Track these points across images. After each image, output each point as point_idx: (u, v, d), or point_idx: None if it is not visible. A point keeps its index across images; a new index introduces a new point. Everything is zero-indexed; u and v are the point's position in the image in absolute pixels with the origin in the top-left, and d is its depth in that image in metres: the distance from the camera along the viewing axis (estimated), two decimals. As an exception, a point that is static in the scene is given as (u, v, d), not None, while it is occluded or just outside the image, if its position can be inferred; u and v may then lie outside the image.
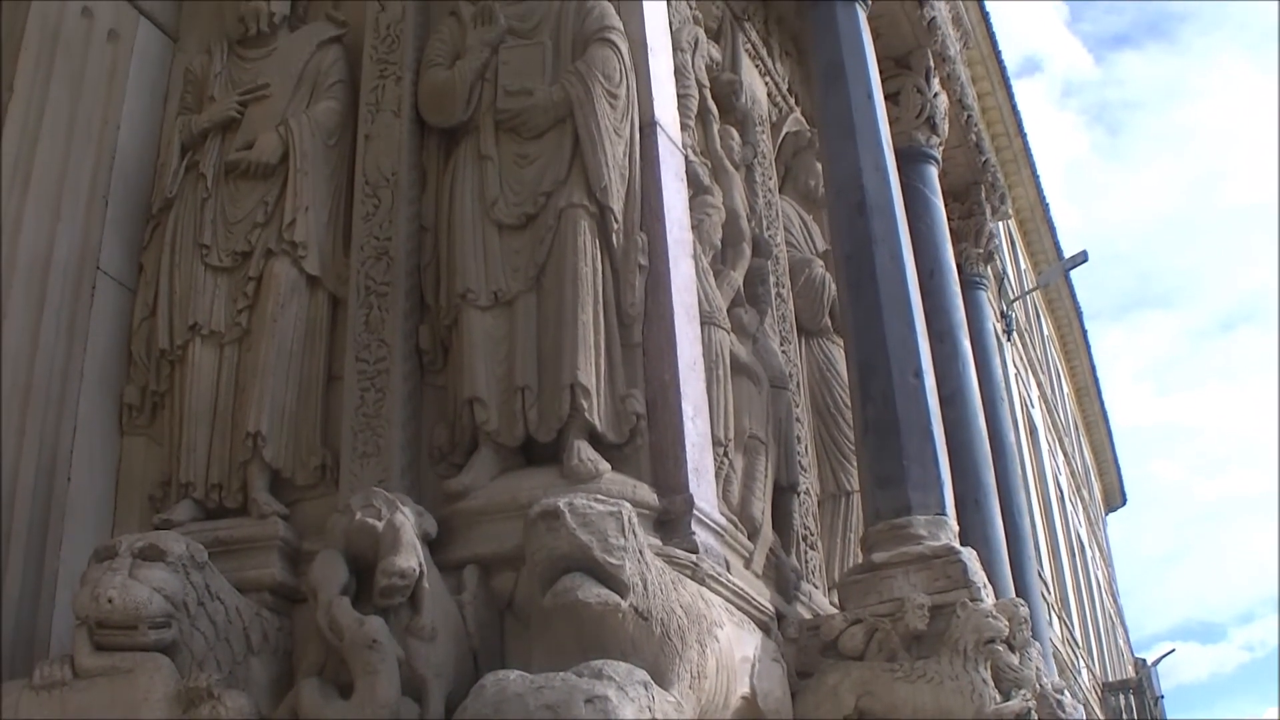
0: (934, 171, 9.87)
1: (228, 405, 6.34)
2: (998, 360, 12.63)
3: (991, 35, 20.34)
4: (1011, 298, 23.68)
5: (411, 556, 5.08)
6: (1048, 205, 25.97)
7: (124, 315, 6.80)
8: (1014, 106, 22.41)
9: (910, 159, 9.45)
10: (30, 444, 6.17)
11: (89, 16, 7.11)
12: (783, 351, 7.63)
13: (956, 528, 7.07)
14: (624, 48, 6.53)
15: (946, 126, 10.09)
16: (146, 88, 7.29)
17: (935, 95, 9.87)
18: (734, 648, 5.51)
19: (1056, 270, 26.52)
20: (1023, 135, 23.20)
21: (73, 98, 6.90)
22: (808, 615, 6.88)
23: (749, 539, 6.57)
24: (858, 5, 8.34)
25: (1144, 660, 31.30)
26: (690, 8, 7.58)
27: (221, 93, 7.01)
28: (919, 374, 7.38)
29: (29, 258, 6.43)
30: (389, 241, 6.34)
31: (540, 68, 6.46)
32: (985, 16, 20.01)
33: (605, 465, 5.66)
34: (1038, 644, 6.62)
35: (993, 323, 13.82)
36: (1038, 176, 24.64)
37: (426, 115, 6.62)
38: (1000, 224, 15.96)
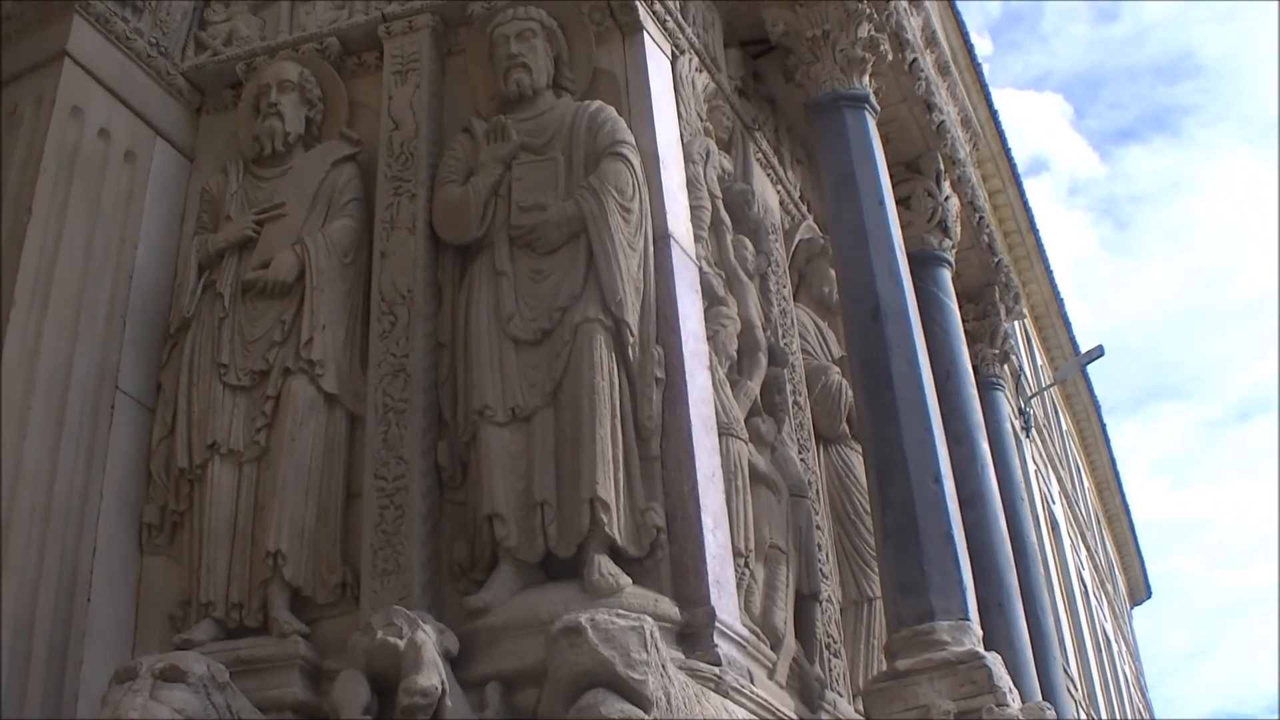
0: (947, 274, 9.94)
1: (247, 524, 6.38)
2: (1016, 459, 12.66)
3: (1000, 133, 20.52)
4: (1029, 394, 23.71)
5: (434, 674, 5.11)
6: (1062, 301, 26.06)
7: (143, 434, 6.85)
8: (1025, 203, 22.58)
9: (923, 262, 9.53)
10: (50, 564, 6.19)
11: (106, 138, 7.22)
12: (801, 459, 7.67)
13: (980, 632, 7.07)
14: (636, 161, 6.64)
15: (958, 228, 10.18)
16: (164, 207, 7.40)
17: (946, 198, 9.96)
18: (759, 760, 5.51)
19: (1073, 365, 26.57)
20: (1035, 232, 23.36)
21: (91, 218, 6.99)
22: (833, 724, 6.89)
23: (772, 649, 6.59)
24: (866, 112, 8.45)
25: (1173, 757, 31.01)
26: (701, 119, 7.68)
27: (238, 212, 7.12)
28: (938, 478, 7.41)
29: (48, 378, 6.48)
30: (406, 359, 6.41)
31: (554, 183, 6.56)
32: (994, 115, 20.20)
33: (626, 579, 5.69)
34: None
35: (1010, 421, 13.85)
36: (1051, 273, 24.76)
37: (441, 232, 6.72)
38: (1015, 322, 16.02)
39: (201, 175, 7.53)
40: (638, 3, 7.24)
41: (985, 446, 9.87)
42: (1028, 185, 22.40)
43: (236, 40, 7.80)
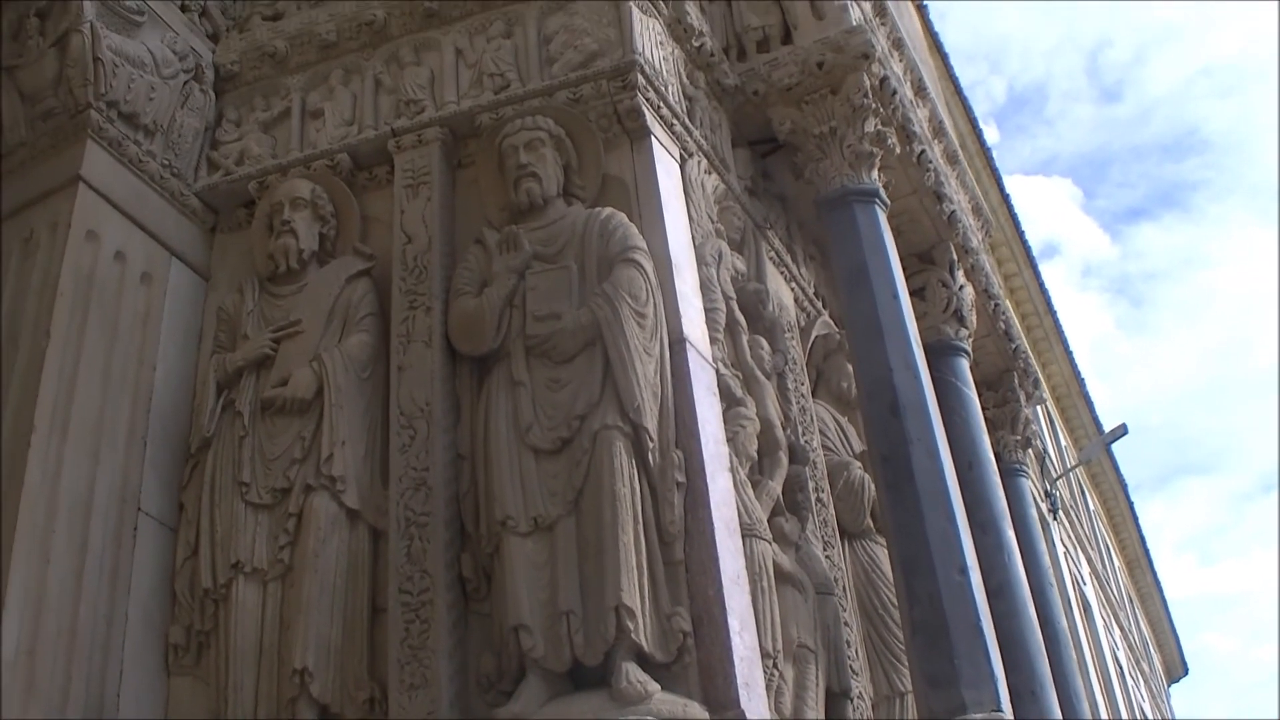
0: (965, 363, 9.99)
1: (273, 642, 6.41)
2: (1043, 545, 12.64)
3: (1014, 216, 20.71)
4: (1055, 476, 23.70)
5: (465, 790, 5.14)
6: (1083, 380, 26.17)
7: (166, 555, 6.89)
8: (1041, 285, 22.74)
9: (940, 353, 9.58)
10: (77, 688, 6.20)
11: (122, 260, 7.31)
12: (826, 557, 7.70)
13: (1014, 723, 7.07)
14: (649, 267, 6.72)
15: (974, 317, 10.23)
16: (181, 327, 7.49)
17: (961, 288, 10.02)
18: None
19: (1097, 445, 26.60)
20: (1052, 313, 23.49)
21: (109, 341, 7.07)
22: (867, 822, 6.88)
23: (804, 749, 6.60)
24: (877, 206, 8.54)
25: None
26: (712, 221, 7.77)
27: (254, 330, 7.21)
28: (964, 570, 7.42)
29: (70, 502, 6.52)
30: (426, 472, 6.47)
31: (568, 291, 6.65)
32: (1006, 199, 20.40)
33: (655, 685, 5.70)
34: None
35: (1035, 506, 13.84)
36: (1071, 353, 24.88)
37: (457, 344, 6.80)
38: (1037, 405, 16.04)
39: (218, 294, 7.63)
40: (644, 108, 7.35)
41: (1011, 534, 9.87)
42: (1041, 269, 22.55)
43: (248, 159, 7.93)
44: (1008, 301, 19.53)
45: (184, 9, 8.26)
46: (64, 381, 6.78)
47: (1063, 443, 26.78)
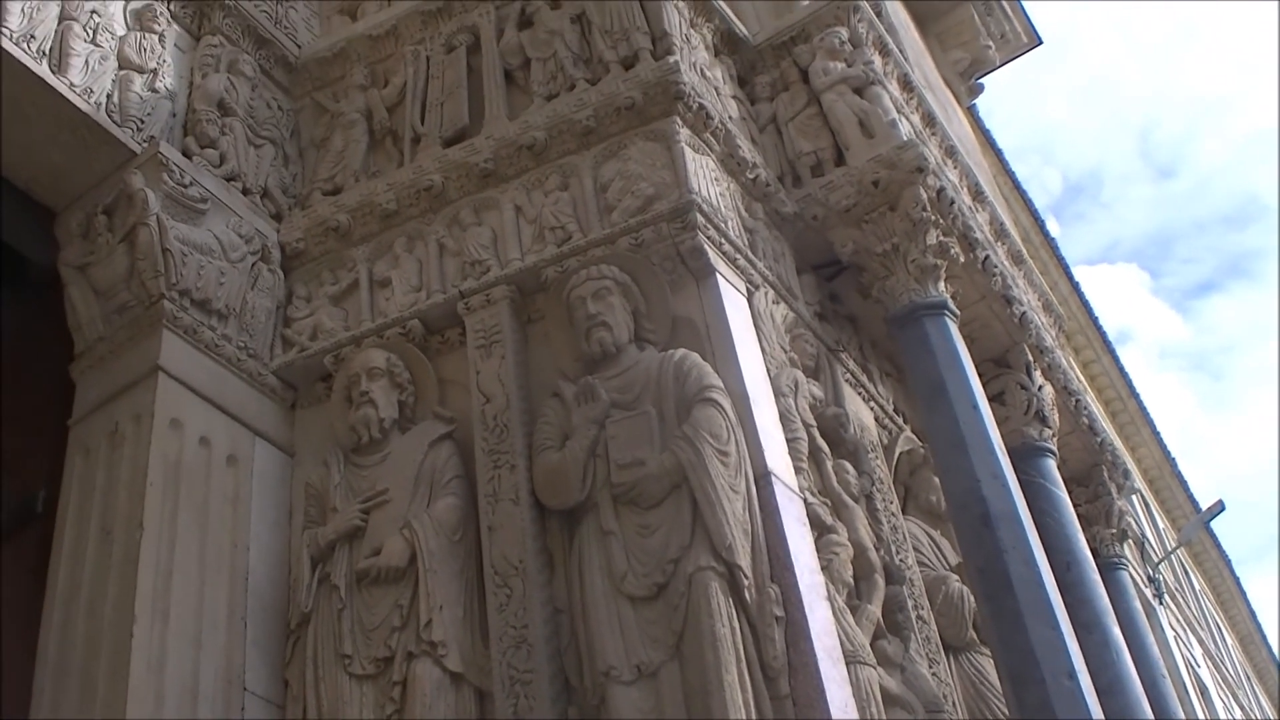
0: (1052, 463, 9.99)
1: (389, 809, 6.51)
2: (1150, 636, 12.55)
3: (1086, 305, 20.73)
4: (1156, 561, 23.52)
5: None
6: (1174, 461, 26.01)
7: (275, 734, 7.02)
8: (1121, 370, 22.70)
9: (1026, 456, 9.61)
10: None
11: (207, 446, 7.49)
12: (933, 674, 7.71)
13: (1136, 820, 7.06)
14: (727, 404, 6.83)
15: (1056, 416, 10.26)
16: (270, 506, 7.65)
17: (1040, 388, 10.06)
18: None
19: (1196, 525, 26.38)
20: (1135, 396, 23.42)
21: (201, 527, 7.23)
22: None
23: None
24: (946, 317, 8.61)
25: None
26: (785, 351, 7.88)
27: (342, 502, 7.35)
28: (1072, 674, 7.41)
29: (177, 689, 6.64)
30: (526, 629, 6.55)
31: (649, 437, 6.76)
32: (1075, 287, 20.44)
33: (772, 824, 5.76)
34: None
35: (1138, 598, 13.76)
36: (1159, 434, 24.76)
37: (545, 499, 6.91)
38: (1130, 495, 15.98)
39: (303, 470, 7.79)
40: (706, 246, 7.50)
41: (1116, 631, 9.82)
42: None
43: (321, 334, 8.13)
44: (1089, 390, 19.54)
45: (245, 192, 8.51)
46: (161, 570, 6.94)
47: (1160, 526, 26.57)
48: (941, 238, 8.79)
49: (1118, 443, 20.12)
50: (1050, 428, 10.09)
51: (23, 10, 7.75)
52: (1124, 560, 12.13)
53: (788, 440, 7.28)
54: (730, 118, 8.70)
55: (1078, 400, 11.06)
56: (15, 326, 8.78)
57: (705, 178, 7.95)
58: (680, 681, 6.10)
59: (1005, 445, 8.48)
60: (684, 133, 8.03)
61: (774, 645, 6.19)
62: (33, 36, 7.75)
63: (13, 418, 8.33)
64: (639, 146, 8.05)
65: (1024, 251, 11.36)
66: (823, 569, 6.89)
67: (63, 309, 8.04)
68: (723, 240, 7.73)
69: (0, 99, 7.73)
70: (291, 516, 7.67)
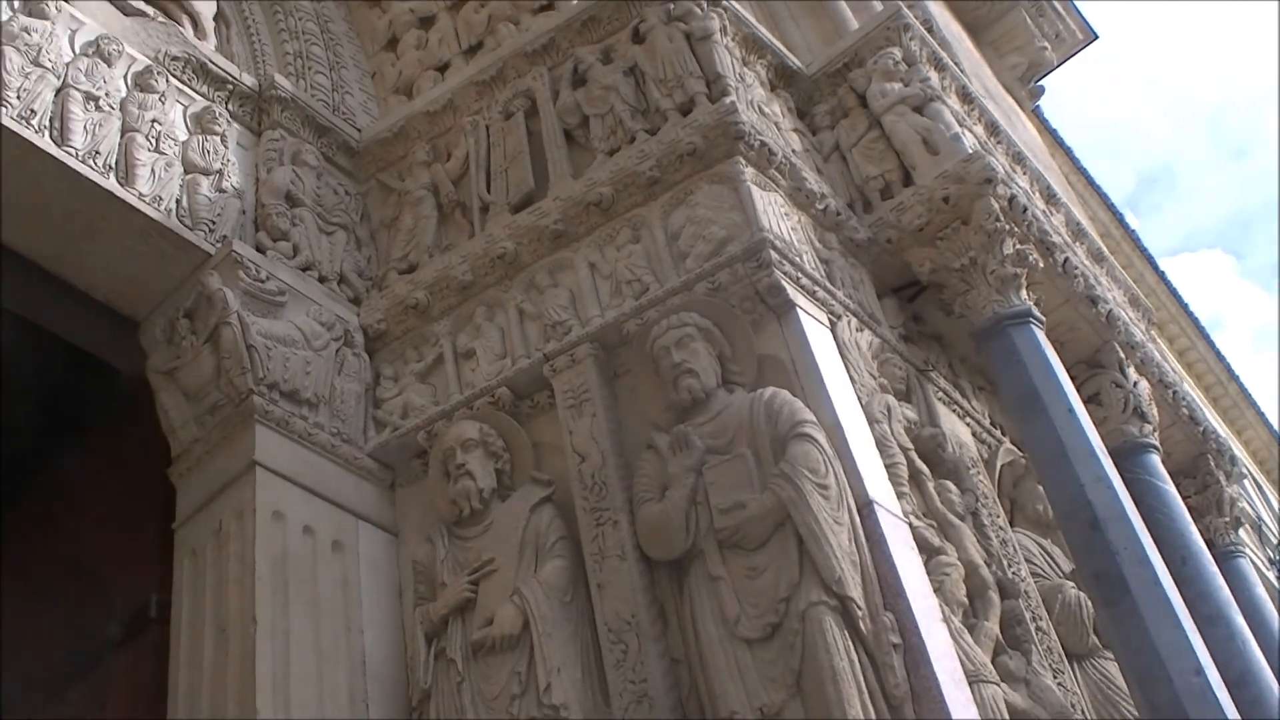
0: (1156, 459, 9.91)
1: None
2: (1277, 620, 12.41)
3: (1175, 294, 20.56)
4: (1277, 542, 23.23)
5: None
6: (1280, 437, 25.66)
7: (403, 813, 7.11)
8: (1218, 354, 22.46)
9: (1128, 454, 9.54)
10: None
11: (311, 534, 7.61)
12: (1059, 685, 7.67)
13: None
14: (821, 438, 6.87)
15: (1155, 410, 10.17)
16: (380, 587, 7.75)
17: (1135, 384, 10.00)
18: None
19: (1314, 500, 25.99)
20: (1236, 379, 23.16)
21: (314, 615, 7.34)
22: None
23: None
24: (1032, 325, 8.57)
25: None
26: (874, 377, 7.88)
27: (450, 576, 7.42)
28: (1199, 670, 7.35)
29: (305, 782, 6.78)
30: (645, 683, 6.60)
31: (747, 479, 6.81)
32: (1163, 277, 20.28)
33: None
34: None
35: (1261, 583, 13.60)
36: (1263, 415, 24.44)
37: (650, 552, 6.96)
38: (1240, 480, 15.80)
39: (408, 548, 7.88)
40: (783, 282, 7.54)
41: (1241, 621, 9.71)
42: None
43: (412, 411, 8.23)
44: (1188, 378, 19.38)
45: (322, 280, 8.65)
46: (279, 662, 7.04)
47: (1277, 506, 26.22)
48: (1018, 245, 8.78)
49: (1222, 429, 19.96)
50: (1150, 423, 10.02)
51: (85, 128, 7.95)
52: (1241, 547, 11.99)
53: (886, 466, 7.29)
54: (793, 151, 8.74)
55: (1175, 391, 10.99)
56: (110, 438, 8.97)
57: (775, 214, 7.99)
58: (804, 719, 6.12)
59: (1106, 446, 8.44)
60: (749, 172, 8.09)
61: (894, 673, 6.20)
62: (97, 152, 7.94)
63: (118, 527, 8.51)
64: (705, 191, 8.11)
65: (1104, 249, 11.30)
66: (935, 591, 6.90)
67: (155, 416, 8.17)
68: (799, 274, 7.76)
69: (73, 216, 7.91)
70: (401, 595, 7.76)
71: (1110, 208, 19.16)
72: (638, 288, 7.90)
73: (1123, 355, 10.04)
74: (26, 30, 8.00)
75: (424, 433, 8.10)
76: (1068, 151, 17.29)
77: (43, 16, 8.17)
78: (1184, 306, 21.14)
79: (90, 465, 9.19)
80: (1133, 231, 19.65)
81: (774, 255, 7.63)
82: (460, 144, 9.40)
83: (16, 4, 8.12)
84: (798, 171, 8.45)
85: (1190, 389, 13.18)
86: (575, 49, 9.25)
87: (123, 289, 8.34)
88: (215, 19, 9.76)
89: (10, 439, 11.69)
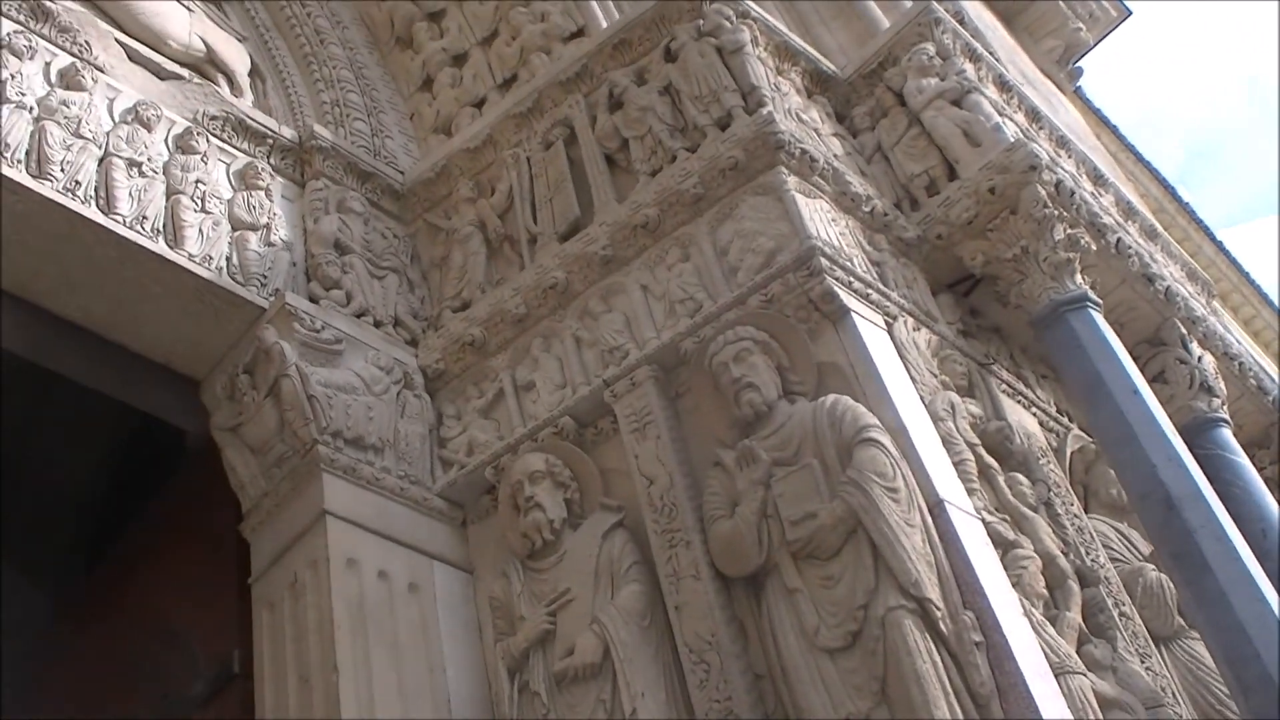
0: (1227, 432, 9.81)
1: None
2: (1367, 580, 12.26)
3: (1235, 264, 20.38)
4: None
5: None
6: (1358, 397, 25.35)
7: None
8: (1282, 316, 22.19)
9: (1199, 430, 9.45)
10: None
11: (386, 579, 7.67)
12: (1146, 669, 7.62)
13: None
14: (887, 441, 6.87)
15: (1221, 384, 10.08)
16: (459, 626, 7.79)
17: (1199, 359, 9.91)
18: None
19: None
20: (1306, 341, 22.88)
21: (395, 659, 7.39)
22: None
23: None
24: (1090, 309, 8.51)
25: None
26: (934, 375, 7.86)
27: (528, 610, 7.46)
28: (1289, 644, 7.31)
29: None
30: (730, 701, 6.60)
31: (815, 488, 6.81)
32: (1221, 248, 20.12)
33: None
34: None
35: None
36: (1337, 377, 24.13)
37: (724, 569, 6.97)
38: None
39: (484, 585, 7.91)
40: (836, 288, 7.55)
41: (1330, 586, 9.65)
42: (1275, 315, 22.03)
43: (477, 448, 8.28)
44: (1256, 347, 19.19)
45: (377, 325, 8.72)
46: (363, 708, 7.09)
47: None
48: (1069, 230, 8.73)
49: (1295, 396, 19.74)
50: (1218, 396, 9.93)
51: (130, 194, 8.05)
52: (1323, 516, 11.86)
53: (954, 464, 7.28)
54: (835, 155, 8.75)
55: (1241, 363, 10.89)
56: (181, 498, 9.06)
57: (822, 220, 8.00)
58: (892, 725, 6.12)
59: (1175, 424, 8.40)
60: (792, 180, 8.10)
61: (979, 672, 6.20)
62: (144, 217, 8.04)
63: (195, 586, 8.58)
64: (750, 203, 8.13)
65: (1157, 225, 11.22)
66: (1014, 585, 6.88)
67: (223, 473, 8.24)
68: (851, 279, 7.77)
69: (125, 282, 8.01)
70: (481, 632, 7.80)
71: (1161, 183, 19.02)
72: (691, 306, 7.92)
73: (1184, 331, 9.96)
74: (65, 103, 8.13)
75: (491, 468, 8.14)
76: (1113, 130, 17.19)
77: (80, 88, 8.30)
78: (1246, 276, 20.93)
79: (164, 526, 9.28)
80: (1187, 205, 19.49)
81: (824, 262, 7.64)
82: (503, 178, 9.45)
83: (54, 78, 8.24)
84: (841, 176, 8.46)
85: (1258, 357, 13.09)
86: (609, 73, 9.30)
87: (180, 350, 8.43)
88: (250, 75, 9.89)
89: (84, 506, 11.84)
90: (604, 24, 9.65)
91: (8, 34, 8.16)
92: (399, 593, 7.68)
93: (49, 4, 8.50)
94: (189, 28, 9.51)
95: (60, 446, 12.56)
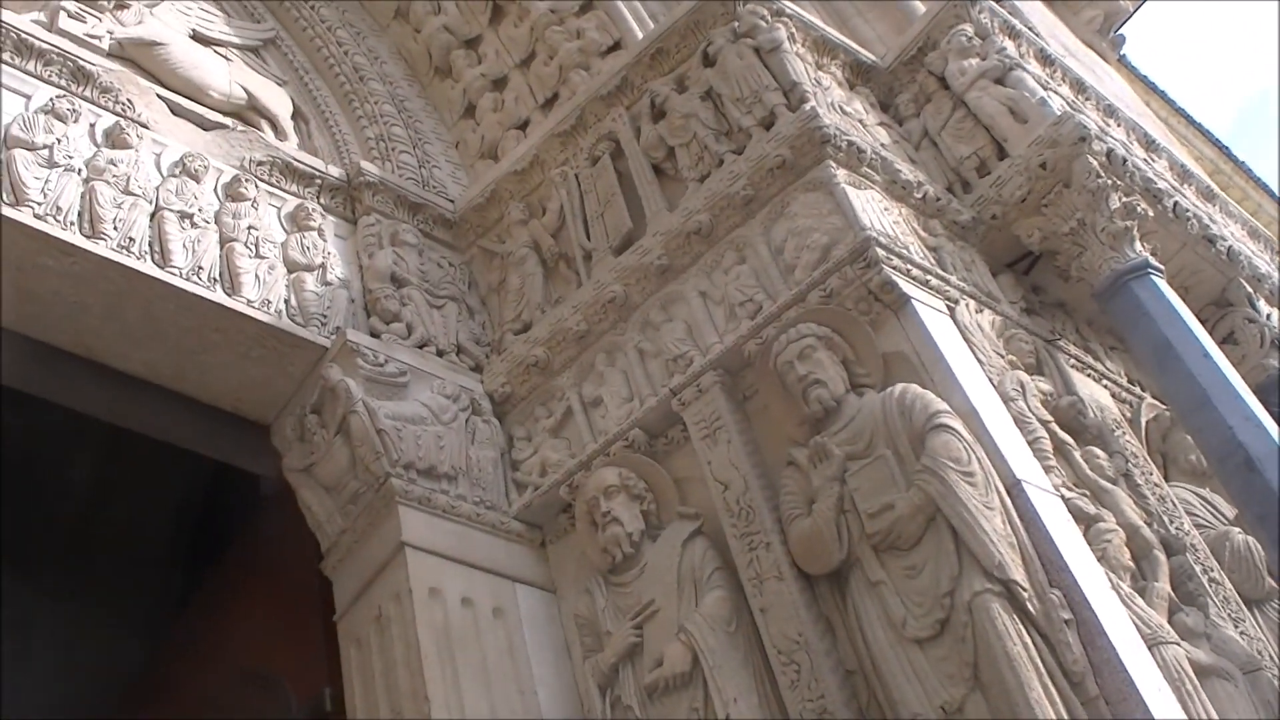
0: (1303, 388, 9.74)
1: None
2: None
3: (1295, 216, 20.15)
4: None
5: None
6: None
7: None
8: (1355, 269, 21.96)
9: (1274, 388, 9.37)
10: None
11: (470, 605, 7.69)
12: (1240, 634, 7.54)
13: None
14: (959, 425, 6.85)
15: (1292, 339, 10.00)
16: (546, 647, 7.81)
17: (1268, 316, 9.82)
18: None
19: None
20: (1375, 293, 22.63)
21: (485, 684, 7.42)
22: None
23: None
24: (1152, 276, 8.44)
25: None
26: (1001, 357, 7.81)
27: (613, 624, 7.48)
28: (1382, 600, 7.24)
29: None
30: (823, 699, 6.58)
31: (891, 479, 6.80)
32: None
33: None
34: None
35: None
36: None
37: (806, 567, 6.96)
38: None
39: (568, 603, 7.94)
40: (895, 277, 7.53)
41: None
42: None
43: (550, 468, 8.30)
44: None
45: (440, 354, 8.76)
46: (456, 736, 7.12)
47: None
48: (1124, 198, 8.65)
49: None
50: (1289, 353, 9.84)
51: (184, 246, 8.13)
52: (1406, 466, 11.71)
53: (1029, 442, 7.23)
54: (883, 145, 8.72)
55: (1312, 317, 10.78)
56: (261, 541, 9.13)
57: (874, 211, 7.98)
58: (987, 710, 6.09)
59: (1249, 384, 8.32)
60: (841, 173, 8.08)
61: (1071, 650, 6.17)
62: (200, 267, 8.11)
63: (282, 627, 8.65)
64: (801, 200, 8.12)
65: (1214, 186, 11.12)
66: (1099, 560, 6.84)
67: (300, 514, 8.29)
68: (909, 266, 7.74)
69: (187, 333, 8.08)
70: (569, 651, 7.81)
71: (1215, 143, 18.87)
72: (751, 308, 7.91)
73: (1250, 290, 9.87)
74: (113, 162, 8.21)
75: (565, 487, 8.16)
76: (1162, 95, 17.06)
77: (126, 146, 8.38)
78: (1310, 229, 20.75)
79: (247, 570, 9.37)
80: (1243, 164, 19.32)
81: (880, 252, 7.62)
82: (553, 197, 9.47)
83: (99, 138, 8.32)
84: (890, 164, 8.44)
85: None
86: (649, 83, 9.30)
87: (247, 395, 8.51)
88: (293, 117, 9.96)
89: (169, 555, 11.97)
90: (640, 35, 9.66)
91: (50, 99, 8.26)
92: (484, 618, 7.70)
93: (89, 66, 8.60)
94: (228, 77, 9.60)
95: (140, 500, 12.72)
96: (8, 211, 7.61)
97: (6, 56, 8.31)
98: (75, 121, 8.29)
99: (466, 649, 7.48)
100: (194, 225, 8.30)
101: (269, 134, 9.51)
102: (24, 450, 12.21)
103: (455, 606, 7.63)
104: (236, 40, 10.18)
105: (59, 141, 8.08)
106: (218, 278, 8.20)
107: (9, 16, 8.46)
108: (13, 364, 8.05)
